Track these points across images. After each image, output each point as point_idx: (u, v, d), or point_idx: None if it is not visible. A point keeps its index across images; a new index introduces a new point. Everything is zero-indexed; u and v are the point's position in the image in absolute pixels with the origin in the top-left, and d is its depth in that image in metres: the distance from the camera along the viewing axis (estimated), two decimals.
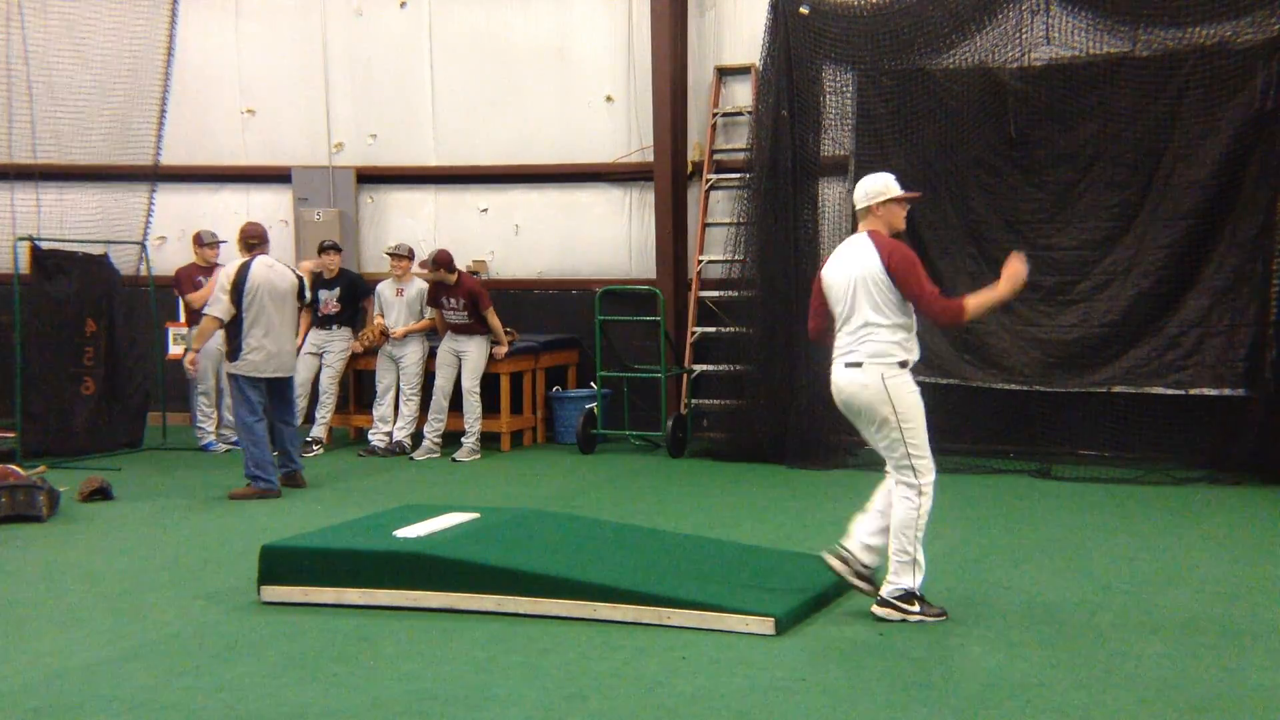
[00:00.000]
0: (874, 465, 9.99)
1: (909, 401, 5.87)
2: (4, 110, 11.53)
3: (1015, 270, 5.83)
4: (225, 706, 4.82)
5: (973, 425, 10.32)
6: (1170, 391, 9.77)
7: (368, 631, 5.73)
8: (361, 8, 12.74)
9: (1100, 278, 10.01)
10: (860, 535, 5.99)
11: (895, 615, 5.79)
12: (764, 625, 5.58)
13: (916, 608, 5.79)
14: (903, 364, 5.88)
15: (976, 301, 5.92)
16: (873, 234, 6.00)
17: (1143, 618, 5.87)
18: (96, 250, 11.28)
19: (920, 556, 5.81)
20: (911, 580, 5.79)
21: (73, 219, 11.59)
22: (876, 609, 5.83)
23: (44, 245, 10.95)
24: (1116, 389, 9.89)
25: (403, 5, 12.63)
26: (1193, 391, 9.71)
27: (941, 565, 6.89)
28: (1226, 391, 9.64)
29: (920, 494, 5.83)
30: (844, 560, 5.95)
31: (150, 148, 11.87)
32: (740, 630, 5.58)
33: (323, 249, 11.49)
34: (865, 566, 5.94)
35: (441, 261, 10.79)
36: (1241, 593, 6.36)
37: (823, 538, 7.53)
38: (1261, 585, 6.51)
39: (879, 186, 6.03)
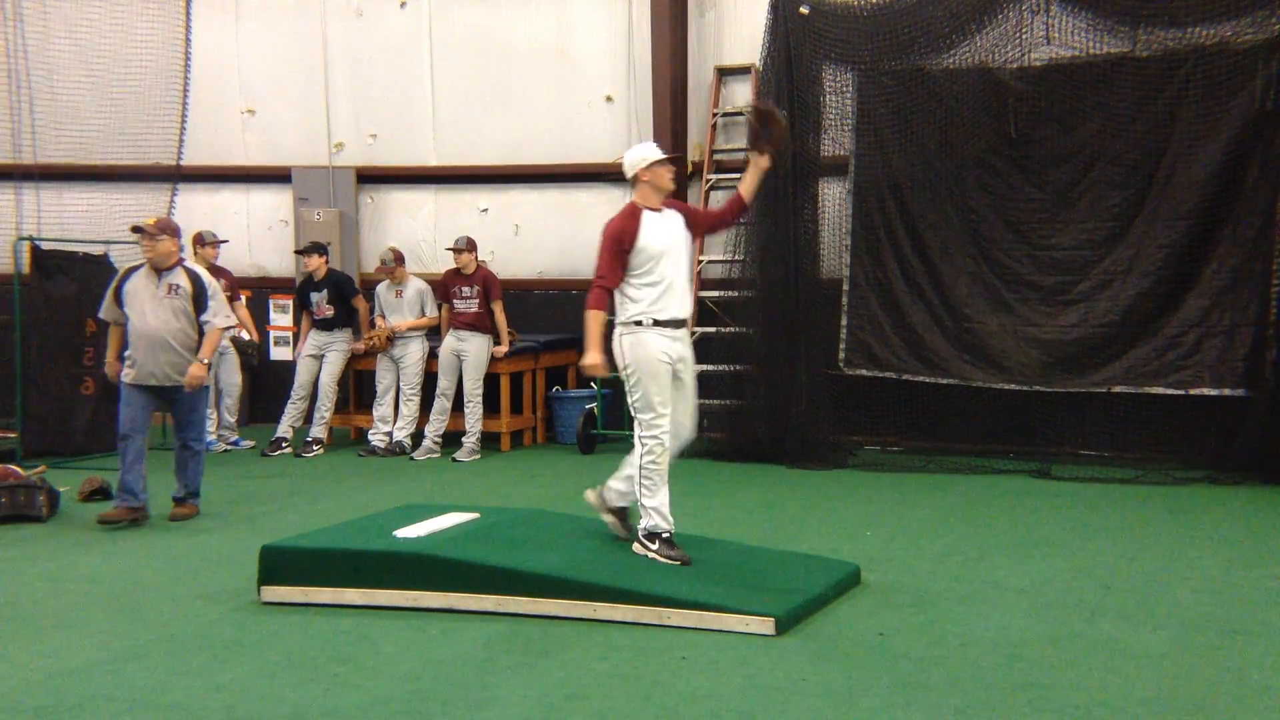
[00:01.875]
0: (874, 465, 10.08)
1: (638, 358, 6.34)
2: (4, 110, 11.53)
3: (594, 361, 6.41)
4: (225, 706, 4.82)
5: (973, 425, 10.34)
6: (1170, 391, 9.77)
7: (368, 631, 5.73)
8: (361, 8, 12.74)
9: (1100, 278, 10.01)
10: (612, 479, 6.68)
11: (641, 550, 6.41)
12: (764, 625, 5.57)
13: (655, 545, 6.36)
14: (638, 322, 6.36)
15: (595, 321, 6.36)
16: (629, 204, 6.49)
17: (1143, 618, 5.87)
18: (96, 250, 11.29)
19: (658, 503, 6.36)
20: (648, 522, 6.38)
21: (73, 219, 11.59)
22: (635, 546, 6.47)
23: (44, 245, 10.96)
24: (1116, 389, 9.89)
25: (403, 5, 12.63)
26: (1193, 391, 9.71)
27: (942, 565, 6.90)
28: (1226, 391, 9.63)
29: (645, 446, 6.36)
30: (598, 494, 6.74)
31: (154, 147, 11.88)
32: (740, 630, 5.58)
33: (306, 251, 11.48)
34: (614, 505, 6.67)
35: (471, 246, 11.08)
36: (1241, 593, 6.36)
37: (823, 538, 7.56)
38: (1261, 585, 6.51)
39: (639, 155, 6.49)
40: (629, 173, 6.50)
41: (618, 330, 6.45)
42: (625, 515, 6.72)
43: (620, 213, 6.48)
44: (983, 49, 10.09)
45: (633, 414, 6.43)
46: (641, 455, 6.38)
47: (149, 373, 8.19)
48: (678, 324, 6.42)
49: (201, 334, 8.29)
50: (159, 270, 8.25)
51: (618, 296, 6.42)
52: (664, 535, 6.40)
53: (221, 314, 8.39)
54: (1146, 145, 9.83)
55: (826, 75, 10.57)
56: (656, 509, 6.39)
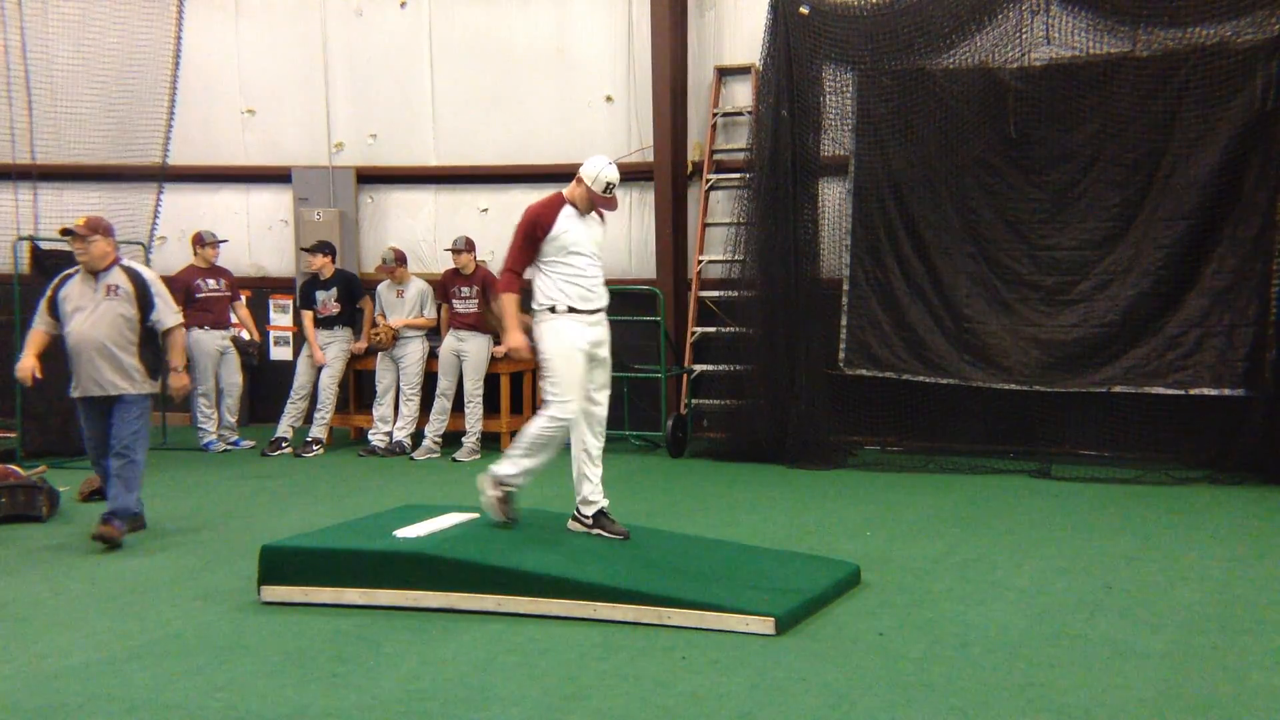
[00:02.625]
0: (874, 465, 10.08)
1: (550, 343, 6.62)
2: (4, 110, 11.53)
3: (517, 344, 6.71)
4: (225, 706, 4.82)
5: (973, 425, 10.34)
6: (1170, 391, 9.77)
7: (368, 631, 5.73)
8: (361, 8, 12.74)
9: (1100, 278, 10.02)
10: (578, 503, 6.83)
11: (489, 490, 6.62)
12: (764, 625, 5.58)
13: (494, 491, 6.61)
14: (552, 309, 6.62)
15: (510, 303, 6.70)
16: (555, 194, 6.76)
17: (1143, 618, 5.87)
18: None
19: (527, 465, 6.62)
20: (509, 470, 6.60)
21: (73, 219, 11.56)
22: (480, 478, 6.71)
23: (44, 245, 10.95)
24: (1116, 389, 9.89)
25: (403, 5, 12.63)
26: (1193, 391, 9.71)
27: (942, 565, 6.91)
28: (1226, 391, 9.64)
29: (551, 420, 6.60)
30: (578, 520, 6.81)
31: (153, 147, 11.88)
32: (740, 630, 5.58)
33: (313, 250, 11.47)
34: (593, 515, 6.77)
35: (470, 246, 11.09)
36: (1241, 593, 6.36)
37: (823, 538, 7.56)
38: (1261, 585, 6.51)
39: (605, 174, 6.67)
40: (585, 178, 6.66)
41: (535, 317, 6.70)
42: (607, 517, 6.82)
43: (543, 200, 6.74)
44: (983, 49, 10.09)
45: (545, 391, 6.68)
46: (541, 425, 6.60)
47: (92, 381, 7.62)
48: (595, 311, 6.72)
49: (144, 336, 7.69)
50: (95, 273, 7.68)
51: (536, 282, 6.67)
52: (511, 490, 6.65)
53: (170, 312, 7.80)
54: (1146, 145, 9.83)
55: (826, 75, 10.57)
56: (527, 470, 6.65)
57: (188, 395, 7.85)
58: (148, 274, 7.86)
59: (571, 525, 6.83)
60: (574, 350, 6.59)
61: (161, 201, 11.94)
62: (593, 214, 6.81)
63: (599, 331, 6.74)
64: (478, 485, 6.72)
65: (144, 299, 7.69)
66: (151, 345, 7.76)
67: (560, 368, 6.58)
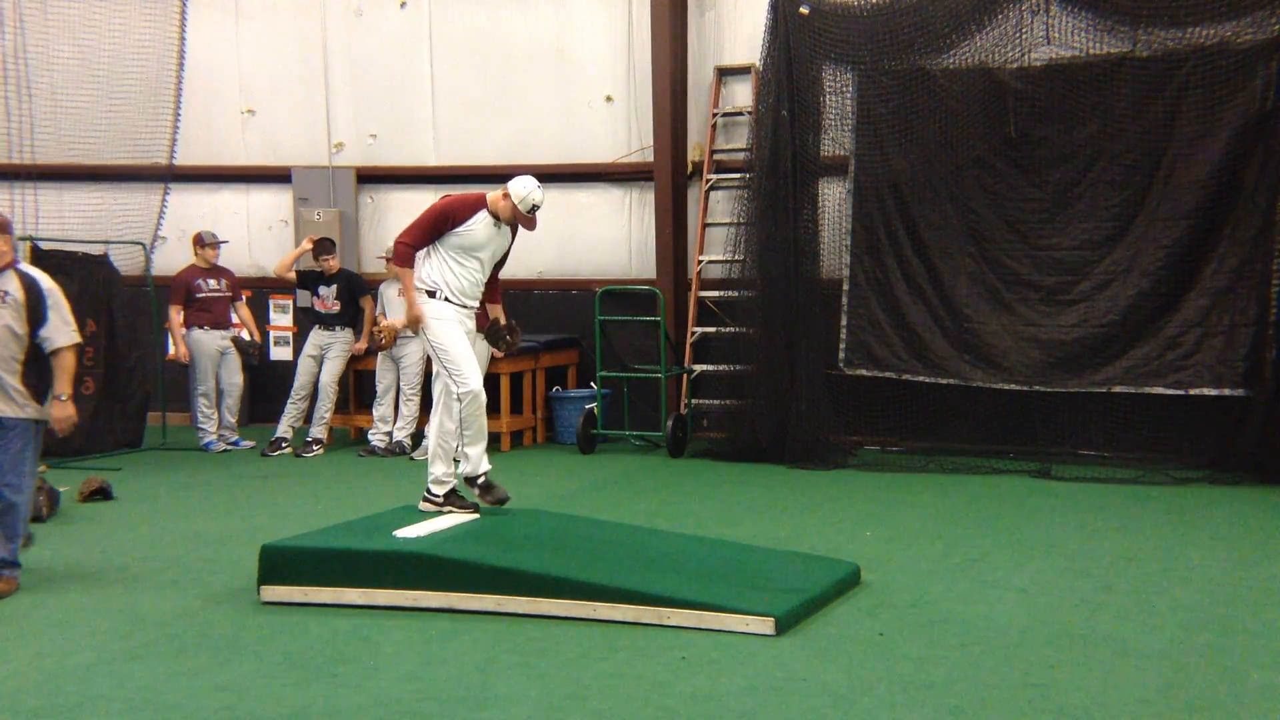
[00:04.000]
0: (874, 465, 10.08)
1: (436, 325, 6.93)
2: (3, 110, 11.52)
3: (419, 313, 6.95)
4: (225, 706, 4.82)
5: (973, 425, 10.33)
6: (1170, 391, 9.77)
7: (368, 631, 5.73)
8: (361, 8, 12.74)
9: (1100, 278, 10.02)
10: (430, 484, 7.09)
11: (430, 506, 6.94)
12: (764, 625, 5.58)
13: (476, 491, 6.95)
14: (432, 294, 6.95)
15: (408, 276, 6.98)
16: (479, 195, 7.08)
17: (1143, 618, 5.87)
18: (96, 250, 11.28)
19: (475, 449, 6.93)
20: (469, 469, 6.96)
21: (73, 219, 11.58)
22: (421, 504, 7.00)
23: (44, 245, 10.94)
24: (1116, 389, 9.89)
25: (403, 5, 12.63)
26: (1193, 391, 9.71)
27: (942, 565, 6.91)
28: (1226, 391, 9.64)
29: (459, 399, 6.89)
30: (429, 500, 7.07)
31: (155, 148, 11.88)
32: (740, 630, 5.58)
33: (324, 251, 11.44)
34: (444, 494, 7.01)
35: None
36: (1241, 593, 6.36)
37: (823, 538, 7.56)
38: (1261, 585, 6.51)
39: (520, 191, 6.96)
40: (513, 195, 6.93)
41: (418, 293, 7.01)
42: (457, 495, 7.08)
43: (464, 197, 7.05)
44: (983, 49, 10.09)
45: (440, 371, 6.97)
46: (462, 410, 6.89)
47: None
48: (466, 307, 7.08)
49: (31, 352, 6.50)
50: None
51: (427, 257, 6.96)
52: (484, 479, 6.99)
53: (64, 330, 6.52)
54: (1146, 145, 9.83)
55: (826, 75, 10.57)
56: (480, 452, 6.98)
57: (73, 428, 6.64)
58: (46, 283, 6.56)
59: (423, 506, 7.07)
60: (457, 323, 6.93)
61: (167, 202, 11.94)
62: (506, 226, 7.04)
63: (471, 324, 7.10)
64: (470, 500, 6.96)
65: (35, 310, 6.44)
66: (38, 364, 6.55)
67: (448, 345, 6.88)
